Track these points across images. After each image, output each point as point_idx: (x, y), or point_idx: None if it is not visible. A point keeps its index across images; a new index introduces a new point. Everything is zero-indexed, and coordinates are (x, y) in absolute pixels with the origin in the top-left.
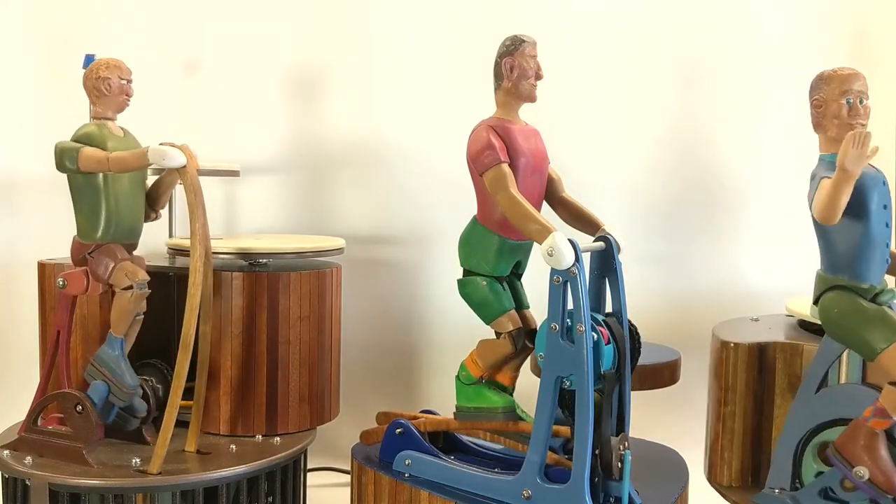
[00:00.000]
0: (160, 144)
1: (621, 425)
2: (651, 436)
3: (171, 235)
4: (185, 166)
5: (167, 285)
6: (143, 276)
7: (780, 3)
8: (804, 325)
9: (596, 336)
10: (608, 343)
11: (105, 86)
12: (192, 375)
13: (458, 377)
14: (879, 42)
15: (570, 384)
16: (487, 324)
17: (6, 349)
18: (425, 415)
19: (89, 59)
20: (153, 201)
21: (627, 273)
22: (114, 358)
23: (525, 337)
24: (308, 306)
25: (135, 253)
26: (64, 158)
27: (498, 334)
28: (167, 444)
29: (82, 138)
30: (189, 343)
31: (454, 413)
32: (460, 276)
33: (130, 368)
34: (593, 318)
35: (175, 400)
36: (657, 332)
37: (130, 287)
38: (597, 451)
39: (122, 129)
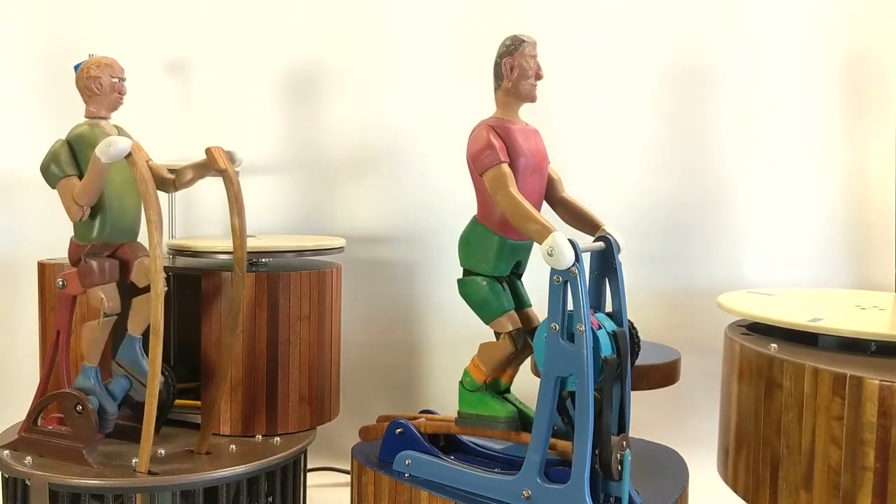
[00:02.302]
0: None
1: (622, 425)
2: (651, 436)
3: (171, 236)
4: (129, 155)
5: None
6: (114, 307)
7: (780, 7)
8: (748, 326)
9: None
10: (598, 328)
11: (96, 85)
12: (196, 376)
13: (461, 383)
14: (878, 46)
15: (570, 384)
16: (487, 324)
17: (6, 349)
18: (425, 415)
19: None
20: (179, 183)
21: (628, 273)
22: (90, 387)
23: (527, 335)
24: (308, 306)
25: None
26: (49, 170)
27: (497, 335)
28: (151, 438)
29: (74, 140)
30: (158, 329)
31: (455, 418)
32: (460, 275)
33: (108, 396)
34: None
35: (153, 390)
36: (657, 332)
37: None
38: (596, 451)
39: (116, 127)
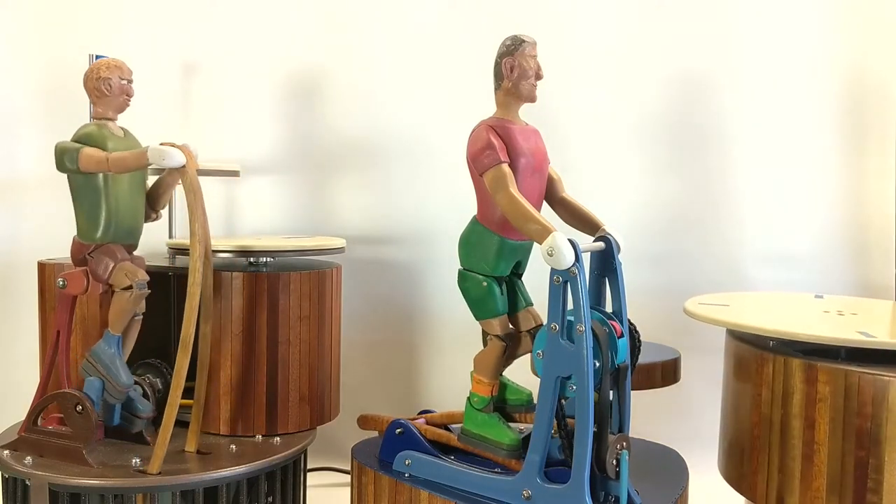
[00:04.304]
0: (160, 144)
1: (621, 425)
2: (651, 436)
3: (171, 236)
4: (184, 166)
5: (166, 285)
6: (143, 276)
7: (781, 10)
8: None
9: (608, 329)
10: (621, 336)
11: (105, 86)
12: (191, 375)
13: (468, 400)
14: (879, 54)
15: (571, 388)
16: (477, 320)
17: (6, 349)
18: (425, 415)
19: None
20: (154, 201)
21: (628, 273)
22: (109, 355)
23: (528, 333)
24: (308, 306)
25: (135, 253)
26: (64, 158)
27: (484, 335)
28: (167, 444)
29: (82, 138)
30: (188, 343)
31: (458, 435)
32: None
33: (126, 367)
34: (604, 314)
35: (175, 400)
36: (657, 332)
37: (130, 287)
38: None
39: (122, 129)
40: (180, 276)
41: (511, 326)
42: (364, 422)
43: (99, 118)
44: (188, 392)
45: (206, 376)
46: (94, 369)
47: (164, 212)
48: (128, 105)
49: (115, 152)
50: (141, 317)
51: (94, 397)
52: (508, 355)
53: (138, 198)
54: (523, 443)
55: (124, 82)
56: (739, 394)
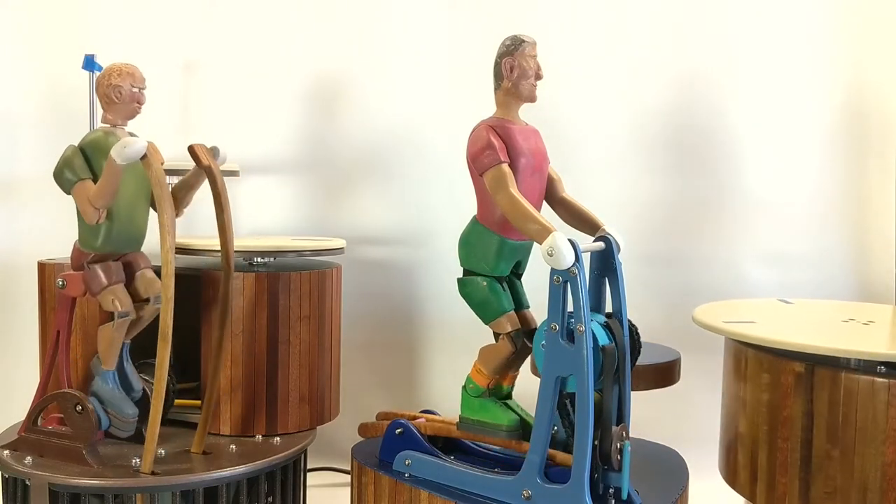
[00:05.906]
0: (190, 145)
1: (620, 417)
2: (651, 436)
3: None
4: (145, 157)
5: None
6: (127, 306)
7: (782, 11)
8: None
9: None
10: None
11: (116, 93)
12: (194, 375)
13: (464, 388)
14: (880, 58)
15: (570, 385)
16: (486, 324)
17: (6, 349)
18: (425, 415)
19: (89, 59)
20: (177, 203)
21: (628, 273)
22: (108, 391)
23: (524, 337)
24: (308, 306)
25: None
26: (62, 176)
27: (496, 335)
28: (156, 440)
29: (88, 146)
30: (167, 334)
31: (457, 423)
32: (460, 275)
33: (127, 398)
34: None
35: (159, 393)
36: (657, 332)
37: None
38: (596, 443)
39: (130, 135)
40: (180, 275)
41: (520, 324)
42: (364, 430)
43: (108, 124)
44: (191, 392)
45: (218, 380)
46: (99, 406)
47: None
48: (138, 112)
49: (94, 188)
50: (160, 304)
51: (104, 426)
52: (515, 358)
53: (141, 206)
54: (522, 423)
55: (136, 90)
56: (849, 440)
